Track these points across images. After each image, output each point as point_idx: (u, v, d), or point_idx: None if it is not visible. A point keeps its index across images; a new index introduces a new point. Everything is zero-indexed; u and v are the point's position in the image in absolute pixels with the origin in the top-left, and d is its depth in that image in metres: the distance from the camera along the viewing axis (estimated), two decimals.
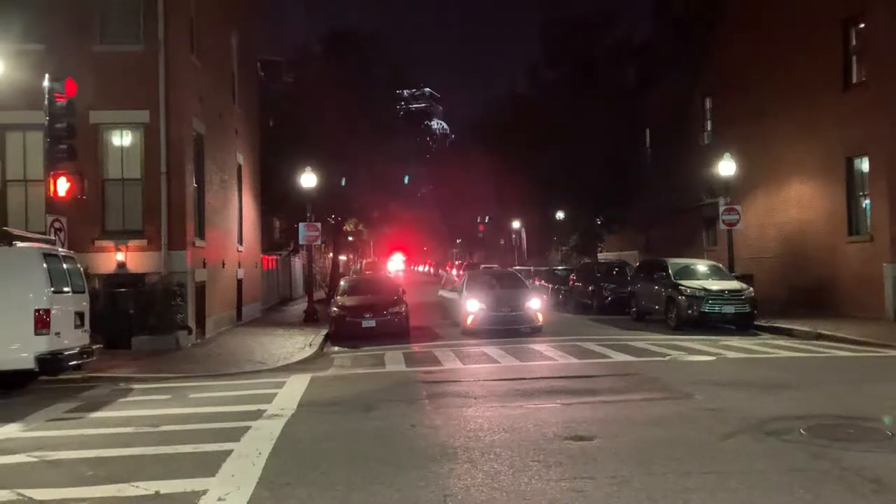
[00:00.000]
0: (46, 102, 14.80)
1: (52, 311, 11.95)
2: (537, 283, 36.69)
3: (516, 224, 61.74)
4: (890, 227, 21.13)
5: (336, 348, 19.00)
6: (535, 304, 21.32)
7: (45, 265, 12.10)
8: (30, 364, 11.77)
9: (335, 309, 21.20)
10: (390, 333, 20.03)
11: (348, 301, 21.41)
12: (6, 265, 11.98)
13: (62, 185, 15.23)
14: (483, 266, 51.33)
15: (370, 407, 10.72)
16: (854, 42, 23.19)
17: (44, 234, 14.77)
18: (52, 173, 15.30)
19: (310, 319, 25.00)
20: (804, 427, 8.70)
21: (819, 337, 18.29)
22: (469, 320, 21.10)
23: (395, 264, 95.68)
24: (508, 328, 20.56)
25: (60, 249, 13.62)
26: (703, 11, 31.48)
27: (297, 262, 42.91)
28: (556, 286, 33.43)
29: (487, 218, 52.01)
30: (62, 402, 11.54)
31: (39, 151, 17.04)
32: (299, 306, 30.90)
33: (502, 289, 22.53)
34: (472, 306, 21.19)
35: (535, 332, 20.53)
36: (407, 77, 48.64)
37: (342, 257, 51.50)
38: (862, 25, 22.75)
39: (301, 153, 28.90)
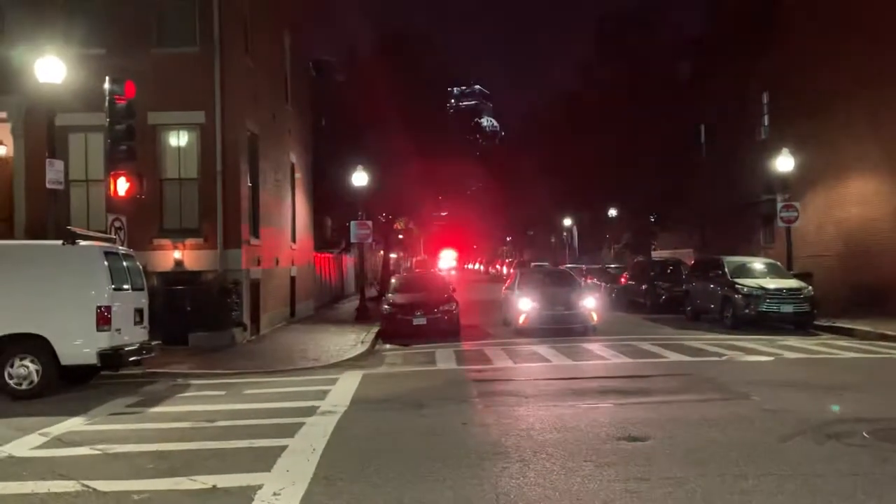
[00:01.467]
0: (107, 104, 15.16)
1: (113, 308, 12.25)
2: (589, 281, 36.40)
3: (567, 222, 61.29)
4: None
5: (387, 346, 19.11)
6: (590, 303, 20.83)
7: (105, 263, 12.41)
8: (92, 359, 12.10)
9: (386, 306, 21.32)
10: (441, 331, 20.07)
11: (399, 298, 21.51)
12: (69, 263, 12.33)
13: (122, 185, 15.61)
14: (534, 264, 51.04)
15: (421, 404, 10.75)
16: None
17: (105, 232, 15.16)
18: (112, 173, 15.70)
19: (361, 317, 25.18)
20: (867, 430, 8.44)
21: (882, 337, 17.73)
22: (521, 319, 20.70)
23: (447, 262, 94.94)
24: (561, 327, 20.22)
25: (120, 248, 13.96)
26: (761, 2, 30.76)
27: (349, 261, 43.29)
28: (608, 284, 33.09)
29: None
30: (123, 397, 11.86)
31: (100, 152, 17.55)
32: (351, 304, 31.16)
33: (555, 287, 22.18)
34: (525, 305, 20.78)
35: (588, 331, 20.10)
36: (458, 75, 48.69)
37: (393, 255, 51.77)
38: None
39: (352, 152, 29.13)
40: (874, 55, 23.77)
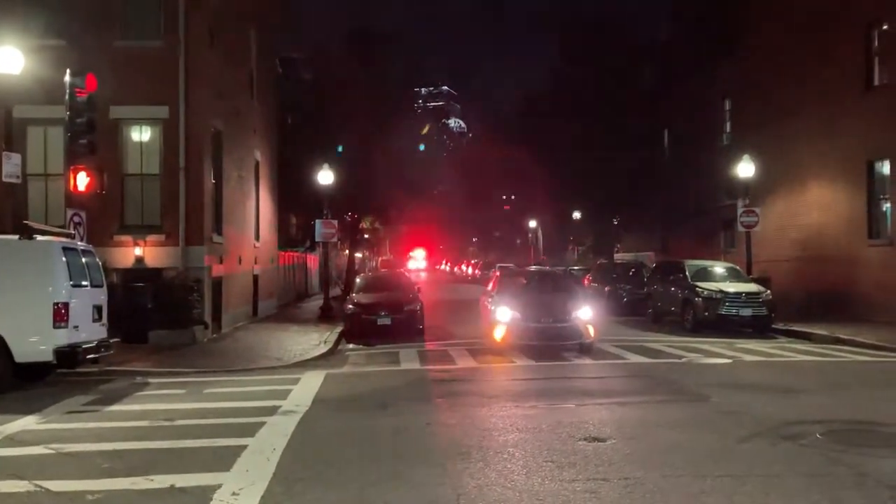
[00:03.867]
0: (67, 97, 14.90)
1: (71, 305, 12.04)
2: None
3: (532, 223, 61.63)
4: None
5: (351, 345, 19.03)
6: (585, 314, 16.76)
7: (64, 259, 12.19)
8: (48, 357, 11.87)
9: (350, 306, 21.22)
10: (405, 331, 20.02)
11: (364, 298, 21.42)
12: (26, 259, 12.08)
13: (82, 180, 15.34)
14: (500, 265, 51.19)
15: (385, 405, 10.72)
16: (876, 44, 22.93)
17: (63, 228, 14.88)
18: (72, 168, 15.42)
19: (325, 316, 25.05)
20: (822, 432, 8.62)
21: (837, 341, 18.12)
22: (498, 333, 16.66)
23: (416, 262, 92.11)
24: (550, 344, 16.51)
25: (79, 243, 13.72)
26: (723, 12, 31.25)
27: (314, 259, 43.05)
28: None
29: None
30: (80, 395, 11.64)
31: (60, 146, 17.21)
32: (315, 303, 30.98)
33: (545, 293, 18.66)
34: (503, 315, 16.73)
35: (584, 350, 16.36)
36: (425, 76, 48.74)
37: (358, 254, 51.59)
38: (885, 27, 22.51)
39: (318, 150, 28.97)
40: (829, 65, 24.28)
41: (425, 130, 46.22)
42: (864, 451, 7.83)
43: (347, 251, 45.12)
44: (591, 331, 16.63)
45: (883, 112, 21.99)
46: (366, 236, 54.61)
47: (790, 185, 27.05)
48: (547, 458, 7.65)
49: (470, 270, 76.22)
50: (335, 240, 32.22)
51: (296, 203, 34.29)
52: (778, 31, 27.39)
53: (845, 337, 18.21)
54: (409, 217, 50.55)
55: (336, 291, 36.63)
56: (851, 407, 10.30)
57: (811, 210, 25.92)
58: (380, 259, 73.57)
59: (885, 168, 22.42)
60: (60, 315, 11.89)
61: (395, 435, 8.84)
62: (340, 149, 32.77)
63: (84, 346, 12.33)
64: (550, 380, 12.97)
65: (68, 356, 12.04)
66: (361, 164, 33.49)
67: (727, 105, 33.17)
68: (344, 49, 37.72)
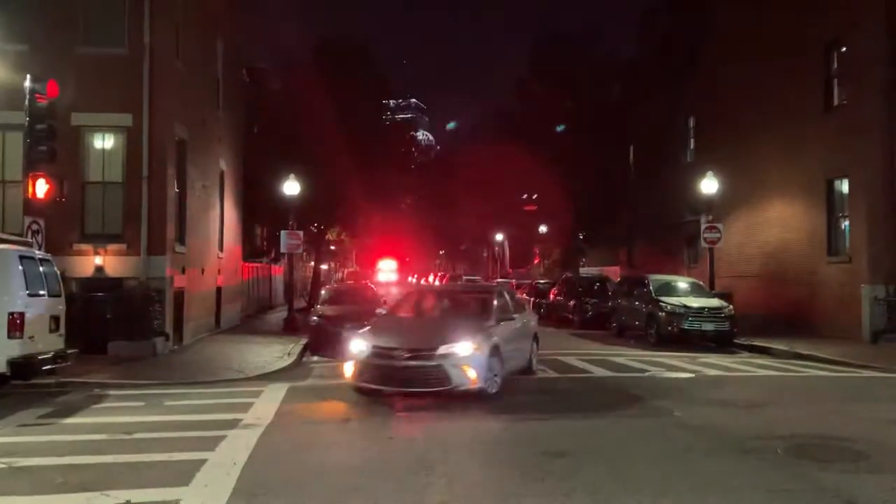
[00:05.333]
0: (27, 103, 14.64)
1: (27, 315, 11.76)
2: (520, 295, 36.73)
3: (499, 236, 61.86)
4: (868, 249, 21.33)
5: (315, 358, 18.85)
6: (464, 350, 11.71)
7: (20, 267, 11.92)
8: (1, 368, 11.55)
9: (315, 318, 21.02)
10: None
11: (329, 310, 21.25)
12: None
13: (41, 187, 15.04)
14: (466, 278, 51.27)
15: (348, 418, 10.63)
16: (835, 65, 23.47)
17: (21, 235, 14.56)
18: (30, 175, 15.10)
19: (289, 328, 24.80)
20: (782, 447, 8.71)
21: (797, 356, 18.40)
22: (348, 370, 12.40)
23: (387, 274, 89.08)
24: (410, 391, 11.75)
25: (37, 252, 13.43)
26: (688, 31, 31.80)
27: (279, 270, 42.68)
28: (538, 300, 33.47)
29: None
30: (34, 408, 11.33)
31: (19, 152, 16.81)
32: (279, 314, 30.68)
33: (436, 315, 14.17)
34: (357, 345, 12.37)
35: (468, 400, 11.58)
36: (394, 88, 48.73)
37: (324, 266, 51.29)
38: (843, 49, 23.04)
39: (285, 161, 28.78)
40: (790, 85, 24.78)
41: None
42: (825, 466, 7.93)
43: (313, 262, 44.85)
44: (472, 375, 11.59)
45: (841, 131, 22.47)
46: (332, 248, 54.34)
47: (753, 202, 27.50)
48: (510, 473, 7.63)
49: (437, 283, 76.22)
50: (300, 251, 32.01)
51: (262, 213, 34.01)
52: (741, 52, 27.89)
53: (805, 352, 18.50)
54: (375, 229, 50.40)
55: (301, 303, 36.34)
56: (812, 421, 10.44)
57: (773, 227, 26.36)
58: (346, 270, 73.19)
59: (844, 186, 22.90)
60: (15, 325, 11.59)
61: (358, 449, 8.75)
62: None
63: (40, 358, 12.03)
64: (515, 394, 12.93)
65: (23, 367, 11.73)
66: (329, 175, 33.33)
67: (691, 122, 33.67)
68: (310, 59, 37.59)
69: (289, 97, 35.71)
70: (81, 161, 18.13)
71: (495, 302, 13.92)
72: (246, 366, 16.32)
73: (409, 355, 11.72)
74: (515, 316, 14.47)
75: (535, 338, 15.89)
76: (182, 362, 16.87)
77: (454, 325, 12.69)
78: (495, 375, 12.23)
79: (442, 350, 11.69)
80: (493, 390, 12.09)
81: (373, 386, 12.00)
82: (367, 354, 12.10)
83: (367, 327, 13.54)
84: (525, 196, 41.89)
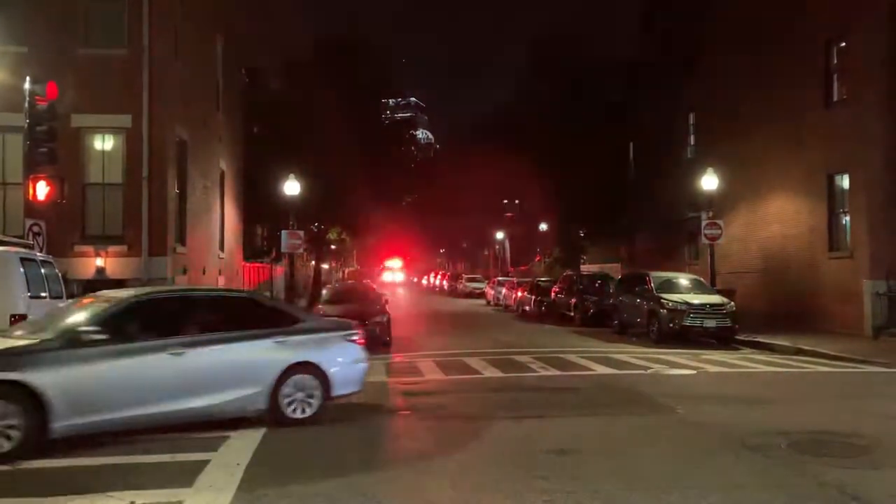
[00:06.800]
0: (27, 105, 14.65)
1: (29, 317, 11.75)
2: (520, 293, 36.81)
3: (500, 235, 61.87)
4: (869, 244, 21.31)
5: None
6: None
7: (21, 270, 11.93)
8: None
9: None
10: (372, 343, 19.84)
11: (330, 310, 21.19)
12: None
13: (42, 189, 15.05)
14: (467, 277, 51.20)
15: (352, 418, 10.61)
16: (836, 61, 23.43)
17: (22, 238, 14.57)
18: (31, 177, 15.12)
19: None
20: (786, 442, 8.70)
21: (799, 352, 18.38)
22: None
23: (391, 274, 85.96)
24: None
25: (38, 254, 13.45)
26: (688, 28, 31.75)
27: (279, 270, 42.69)
28: (539, 297, 33.47)
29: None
30: None
31: (19, 154, 16.84)
32: None
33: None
34: None
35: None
36: (393, 86, 48.70)
37: (325, 266, 51.28)
38: (843, 44, 23.01)
39: (285, 160, 28.80)
40: (791, 81, 24.74)
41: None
42: (828, 461, 7.92)
43: (314, 262, 44.86)
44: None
45: (842, 127, 22.44)
46: (333, 247, 54.33)
47: (753, 198, 27.47)
48: (515, 471, 7.62)
49: (438, 281, 76.21)
50: (301, 250, 32.01)
51: (262, 213, 34.01)
52: (741, 48, 27.85)
53: (807, 348, 18.48)
54: (376, 228, 50.41)
55: (302, 303, 36.32)
56: (815, 418, 10.43)
57: (773, 223, 26.33)
58: (347, 270, 73.17)
59: (845, 182, 22.88)
60: None
61: (362, 448, 8.74)
62: None
63: None
64: (518, 391, 12.94)
65: None
66: (329, 175, 33.34)
67: (691, 119, 33.62)
68: (310, 59, 37.59)
69: (288, 96, 35.72)
70: (82, 162, 18.17)
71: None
72: None
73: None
74: None
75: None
76: None
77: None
78: None
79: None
80: None
81: None
82: None
83: None
84: (525, 196, 41.91)
